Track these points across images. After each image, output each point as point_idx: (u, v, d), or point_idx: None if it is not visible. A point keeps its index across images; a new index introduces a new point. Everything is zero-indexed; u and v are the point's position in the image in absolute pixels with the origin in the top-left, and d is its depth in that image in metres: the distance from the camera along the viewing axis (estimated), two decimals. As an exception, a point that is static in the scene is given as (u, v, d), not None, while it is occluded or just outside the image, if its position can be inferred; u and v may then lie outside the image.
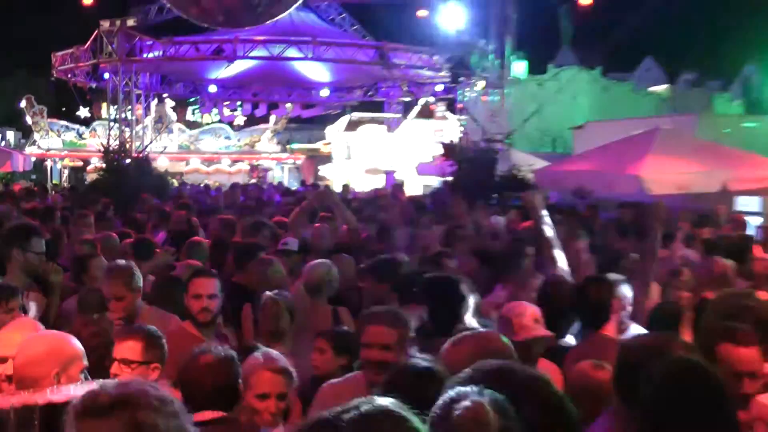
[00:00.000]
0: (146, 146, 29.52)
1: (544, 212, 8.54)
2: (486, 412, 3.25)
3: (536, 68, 57.45)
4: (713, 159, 19.71)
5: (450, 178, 25.71)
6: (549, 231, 8.38)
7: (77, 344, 4.78)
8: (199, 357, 4.85)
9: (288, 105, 40.97)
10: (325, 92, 36.25)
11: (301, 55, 27.20)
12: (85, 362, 4.73)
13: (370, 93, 37.69)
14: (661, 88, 68.29)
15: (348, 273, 9.19)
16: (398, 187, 29.03)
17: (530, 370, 3.20)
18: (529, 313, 5.99)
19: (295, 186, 35.43)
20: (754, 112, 59.83)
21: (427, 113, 42.85)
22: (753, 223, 17.51)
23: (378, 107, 42.40)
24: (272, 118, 44.54)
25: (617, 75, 68.43)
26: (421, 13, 29.04)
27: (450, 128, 39.52)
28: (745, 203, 19.70)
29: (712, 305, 6.27)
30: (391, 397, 2.56)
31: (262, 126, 46.37)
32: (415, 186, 33.73)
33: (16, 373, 4.60)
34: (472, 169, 24.43)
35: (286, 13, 20.79)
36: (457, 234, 11.66)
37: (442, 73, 29.75)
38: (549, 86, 46.52)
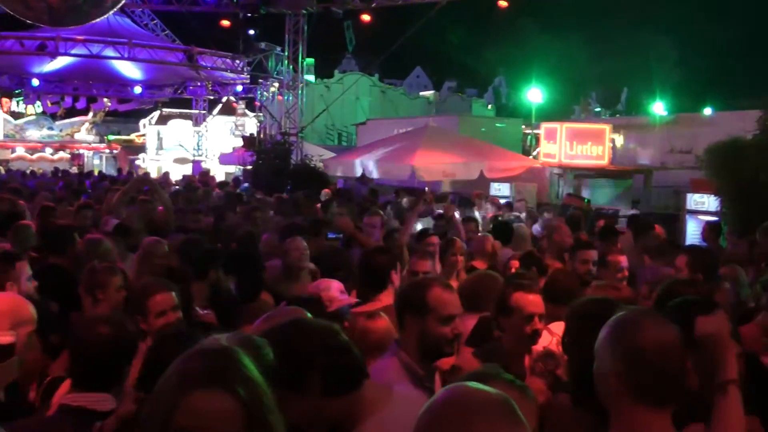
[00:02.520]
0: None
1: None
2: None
3: (324, 73, 57.78)
4: (472, 152, 20.28)
5: (249, 167, 25.45)
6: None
7: (32, 310, 4.47)
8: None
9: (105, 99, 39.61)
10: (138, 89, 35.16)
11: (117, 55, 26.35)
12: (35, 326, 4.42)
13: (179, 91, 36.77)
14: (429, 93, 69.88)
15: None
16: (205, 174, 28.58)
17: (321, 321, 3.15)
18: (334, 286, 5.91)
19: (112, 173, 34.55)
20: (503, 114, 62.28)
21: (229, 110, 42.38)
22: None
23: (186, 104, 41.53)
24: (91, 111, 43.13)
25: (392, 81, 69.61)
26: (225, 22, 28.52)
27: (249, 124, 39.23)
28: (498, 188, 20.34)
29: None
30: None
31: (82, 118, 44.89)
32: (218, 174, 33.25)
33: None
34: (269, 159, 24.26)
35: (105, 16, 19.97)
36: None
37: (243, 75, 29.33)
38: (335, 89, 46.70)
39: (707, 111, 45.37)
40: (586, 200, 17.52)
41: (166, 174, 27.45)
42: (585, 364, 3.29)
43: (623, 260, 7.48)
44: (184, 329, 4.22)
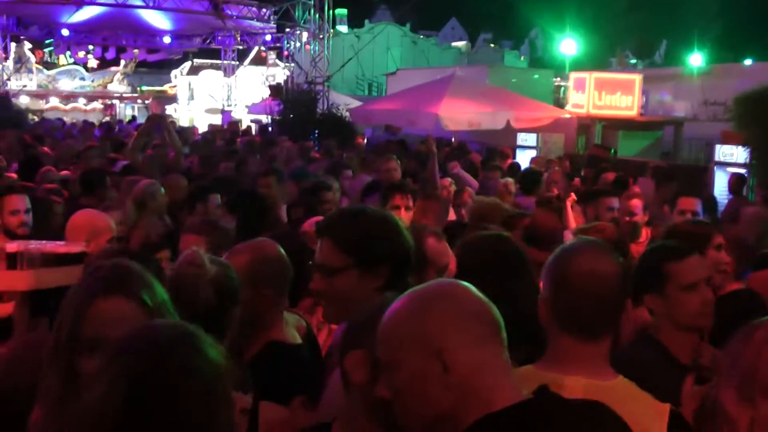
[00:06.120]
0: (4, 83, 28.12)
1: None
2: (200, 256, 3.16)
3: (356, 24, 57.52)
4: (499, 102, 20.05)
5: (277, 117, 25.38)
6: None
7: (108, 220, 5.36)
8: None
9: (135, 50, 39.70)
10: (167, 39, 35.14)
11: (142, 4, 26.30)
12: (114, 234, 5.28)
13: (208, 41, 36.69)
14: (461, 43, 69.37)
15: (177, 192, 8.63)
16: (233, 124, 28.59)
17: None
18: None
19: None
20: (537, 66, 61.74)
21: (259, 60, 42.29)
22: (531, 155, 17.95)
23: (216, 54, 41.47)
24: (122, 62, 43.30)
25: (427, 32, 69.09)
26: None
27: (279, 74, 39.12)
28: (525, 139, 20.18)
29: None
30: None
31: (114, 69, 45.15)
32: (247, 123, 33.26)
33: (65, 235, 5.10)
34: (295, 108, 24.19)
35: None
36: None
37: (270, 24, 29.20)
38: (365, 38, 46.39)
39: (748, 62, 44.46)
40: (612, 151, 17.29)
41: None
42: None
43: (634, 205, 7.55)
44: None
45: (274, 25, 28.78)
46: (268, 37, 33.35)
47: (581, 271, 2.70)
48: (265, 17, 28.40)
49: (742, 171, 14.55)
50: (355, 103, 26.88)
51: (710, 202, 10.46)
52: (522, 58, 66.50)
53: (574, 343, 2.69)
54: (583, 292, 2.68)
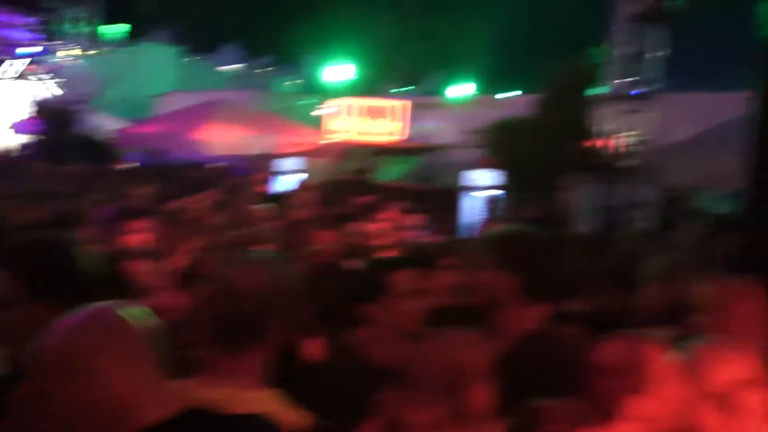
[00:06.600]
0: None
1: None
2: None
3: (131, 42, 56.15)
4: (265, 127, 20.31)
5: (37, 136, 24.47)
6: None
7: None
8: None
9: None
10: None
11: None
12: None
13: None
14: (235, 66, 69.07)
15: None
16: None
17: None
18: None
19: None
20: (311, 91, 62.57)
21: (22, 74, 40.36)
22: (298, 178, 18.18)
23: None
24: None
25: (205, 54, 68.41)
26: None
27: (45, 89, 37.52)
28: (291, 163, 20.43)
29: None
30: None
31: None
32: (14, 144, 31.69)
33: None
34: (55, 128, 23.43)
35: None
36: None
37: (36, 35, 28.08)
38: (139, 58, 45.48)
39: (517, 93, 46.64)
40: (370, 175, 17.92)
41: None
42: None
43: (377, 228, 8.13)
44: None
45: (41, 36, 27.59)
46: (32, 49, 31.95)
47: (223, 285, 2.76)
48: (31, 27, 27.23)
49: (497, 192, 15.51)
50: (123, 125, 26.33)
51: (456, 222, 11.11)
52: (297, 83, 67.04)
53: (217, 355, 2.71)
54: (222, 306, 2.71)
